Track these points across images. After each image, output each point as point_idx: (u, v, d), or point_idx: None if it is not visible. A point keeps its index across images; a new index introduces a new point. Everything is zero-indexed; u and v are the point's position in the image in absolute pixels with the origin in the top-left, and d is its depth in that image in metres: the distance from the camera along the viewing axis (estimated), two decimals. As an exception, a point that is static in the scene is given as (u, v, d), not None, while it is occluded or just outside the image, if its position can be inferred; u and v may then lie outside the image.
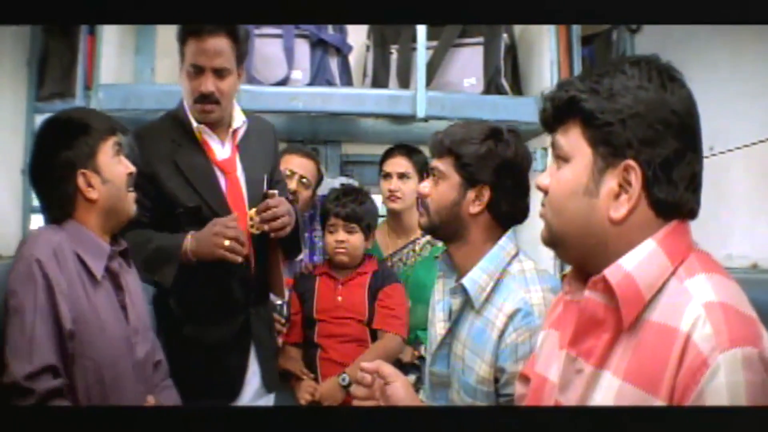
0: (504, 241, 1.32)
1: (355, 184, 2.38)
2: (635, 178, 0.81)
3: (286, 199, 1.72)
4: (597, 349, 0.84)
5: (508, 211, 1.32)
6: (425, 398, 1.47)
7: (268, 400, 1.81)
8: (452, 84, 2.29)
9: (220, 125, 1.72)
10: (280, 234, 1.66)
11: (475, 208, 1.30)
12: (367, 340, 1.98)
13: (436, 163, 1.34)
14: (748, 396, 0.70)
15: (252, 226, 1.65)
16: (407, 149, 2.21)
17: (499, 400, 1.25)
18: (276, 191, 1.69)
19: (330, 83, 2.28)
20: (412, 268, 2.19)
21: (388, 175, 2.19)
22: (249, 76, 2.12)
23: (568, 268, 1.00)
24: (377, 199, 2.21)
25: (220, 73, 1.63)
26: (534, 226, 1.35)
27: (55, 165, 1.33)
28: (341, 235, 1.99)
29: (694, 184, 0.83)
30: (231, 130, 1.73)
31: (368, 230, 2.02)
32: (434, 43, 2.28)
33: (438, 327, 1.40)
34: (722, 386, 0.70)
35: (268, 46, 2.25)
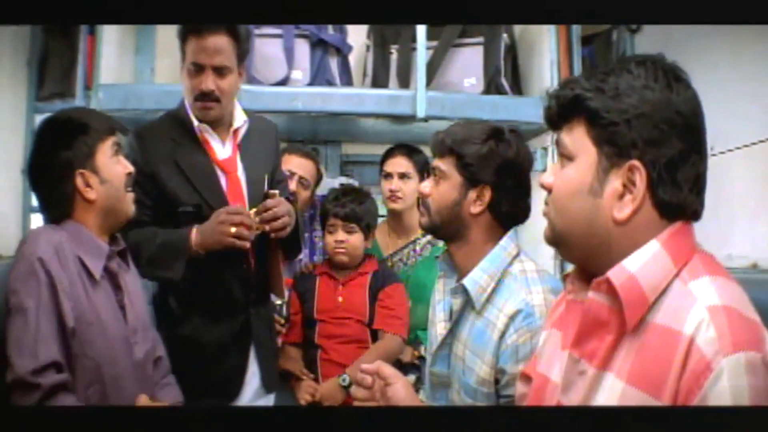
0: (505, 241, 1.31)
1: (355, 184, 2.38)
2: (640, 179, 0.80)
3: (286, 200, 1.71)
4: (600, 350, 0.83)
5: (509, 211, 1.31)
6: (425, 398, 1.47)
7: (268, 401, 1.81)
8: (452, 84, 2.29)
9: (220, 124, 1.71)
10: (280, 234, 1.66)
11: (476, 208, 1.30)
12: (368, 340, 1.98)
13: (438, 163, 1.34)
14: (751, 400, 0.70)
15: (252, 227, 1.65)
16: (408, 149, 2.21)
17: (500, 401, 1.24)
18: (277, 191, 1.69)
19: (330, 83, 2.28)
20: (413, 268, 2.19)
21: (388, 175, 2.19)
22: (249, 76, 2.12)
23: (568, 269, 1.00)
24: (377, 199, 2.21)
25: (220, 72, 1.62)
26: (534, 225, 1.35)
27: (53, 165, 1.34)
28: (340, 235, 1.99)
29: (698, 185, 0.82)
30: (232, 129, 1.73)
31: (368, 230, 2.02)
32: (434, 43, 2.28)
33: (438, 327, 1.40)
34: (725, 390, 0.70)
35: (268, 46, 2.25)
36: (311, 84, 2.26)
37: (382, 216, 2.32)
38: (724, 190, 1.59)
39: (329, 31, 2.30)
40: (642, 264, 0.81)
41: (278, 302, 1.96)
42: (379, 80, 2.37)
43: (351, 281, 2.02)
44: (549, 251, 2.10)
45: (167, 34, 2.07)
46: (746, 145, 1.61)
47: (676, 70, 0.83)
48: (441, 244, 1.92)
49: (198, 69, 1.62)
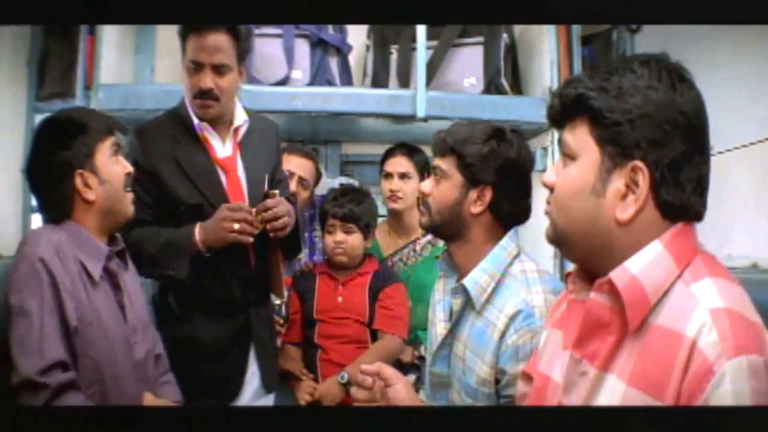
0: (505, 241, 1.31)
1: (355, 183, 2.38)
2: (643, 180, 0.80)
3: (286, 199, 1.72)
4: (602, 351, 0.83)
5: (510, 211, 1.31)
6: (425, 398, 1.47)
7: (268, 401, 1.81)
8: (452, 84, 2.29)
9: (221, 123, 1.71)
10: (280, 234, 1.66)
11: (476, 208, 1.30)
12: (367, 341, 1.98)
13: (439, 162, 1.33)
14: (753, 404, 0.70)
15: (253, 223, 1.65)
16: (408, 149, 2.21)
17: (500, 401, 1.24)
18: (277, 191, 1.69)
19: (330, 83, 2.28)
20: (413, 268, 2.19)
21: (389, 175, 2.19)
22: (249, 76, 2.12)
23: (568, 269, 1.00)
24: (378, 199, 2.21)
25: (219, 70, 1.62)
26: (534, 225, 1.35)
27: (52, 165, 1.33)
28: (339, 235, 1.98)
29: (701, 186, 0.82)
30: (232, 128, 1.73)
31: (367, 230, 2.01)
32: (434, 43, 2.28)
33: (438, 327, 1.40)
34: (727, 394, 0.70)
35: (268, 46, 2.25)
36: (311, 84, 2.26)
37: (383, 216, 2.32)
38: (724, 190, 1.59)
39: (329, 31, 2.30)
40: (644, 265, 0.80)
41: (277, 302, 1.96)
42: (379, 80, 2.37)
43: (351, 281, 2.02)
44: (549, 251, 2.11)
45: (167, 34, 2.07)
46: (746, 145, 1.61)
47: (680, 69, 0.83)
48: (441, 244, 1.92)
49: (197, 67, 1.62)
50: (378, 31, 2.40)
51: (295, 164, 2.15)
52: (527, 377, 1.06)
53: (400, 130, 2.35)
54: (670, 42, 1.82)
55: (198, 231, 1.60)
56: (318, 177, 2.31)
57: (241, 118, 1.74)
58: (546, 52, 2.26)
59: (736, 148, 1.63)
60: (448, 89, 2.27)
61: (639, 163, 0.80)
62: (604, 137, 0.82)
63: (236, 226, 1.57)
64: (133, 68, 2.46)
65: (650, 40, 2.14)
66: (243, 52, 1.69)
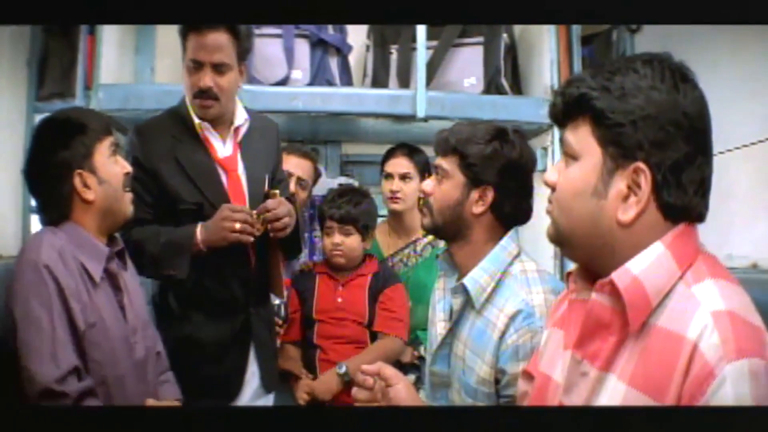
0: (506, 241, 1.31)
1: (355, 184, 2.38)
2: (645, 181, 0.80)
3: (286, 199, 1.71)
4: (603, 352, 0.83)
5: (511, 212, 1.31)
6: (425, 398, 1.47)
7: (267, 401, 1.81)
8: (452, 84, 2.29)
9: (221, 122, 1.71)
10: (281, 235, 1.66)
11: (478, 209, 1.30)
12: (367, 341, 1.98)
13: (440, 162, 1.33)
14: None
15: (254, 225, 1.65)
16: (409, 149, 2.21)
17: (500, 401, 1.24)
18: (277, 191, 1.69)
19: (330, 83, 2.28)
20: (413, 269, 2.19)
21: (389, 176, 2.19)
22: (249, 76, 2.12)
23: (568, 269, 0.99)
24: (377, 199, 2.21)
25: (219, 69, 1.62)
26: (535, 225, 1.35)
27: (51, 165, 1.33)
28: (337, 237, 1.97)
29: (703, 187, 0.82)
30: (233, 127, 1.73)
31: (365, 231, 2.00)
32: (434, 43, 2.28)
33: (439, 327, 1.40)
34: (728, 397, 0.70)
35: (268, 46, 2.25)
36: (311, 84, 2.26)
37: (383, 216, 2.32)
38: (724, 190, 1.59)
39: (329, 31, 2.30)
40: (646, 266, 0.80)
41: (276, 302, 1.96)
42: (379, 80, 2.37)
43: (350, 282, 2.01)
44: (549, 251, 2.11)
45: (167, 34, 2.07)
46: (746, 145, 1.61)
47: (683, 69, 0.83)
48: (441, 245, 1.92)
49: (197, 66, 1.62)
50: (378, 31, 2.40)
51: (293, 164, 2.15)
52: (528, 376, 1.06)
53: (400, 130, 2.35)
54: (670, 42, 1.82)
55: (199, 231, 1.61)
56: (317, 177, 2.31)
57: (241, 117, 1.74)
58: (546, 52, 2.26)
59: (737, 148, 1.63)
60: (448, 89, 2.27)
61: (641, 165, 0.80)
62: (606, 138, 0.82)
63: (237, 226, 1.57)
64: (133, 68, 2.46)
65: (650, 40, 2.14)
66: (243, 52, 1.69)
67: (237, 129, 1.74)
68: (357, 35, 2.41)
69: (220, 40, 1.61)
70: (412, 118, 2.17)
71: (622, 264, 0.81)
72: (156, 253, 1.61)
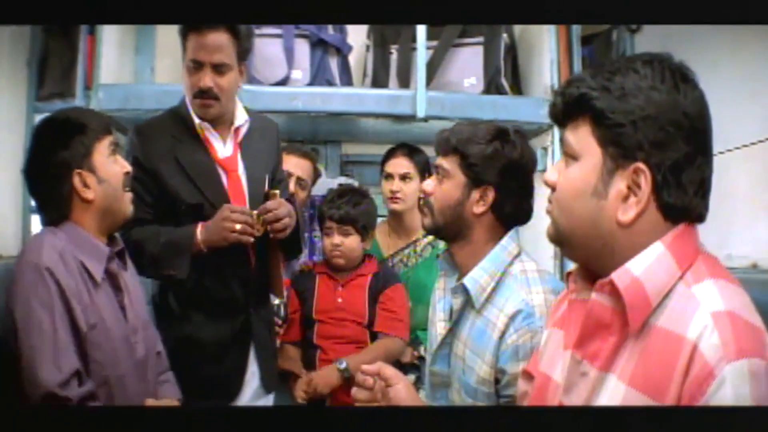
0: (506, 241, 1.31)
1: (355, 184, 2.38)
2: (645, 182, 0.80)
3: (287, 200, 1.71)
4: (603, 352, 0.83)
5: (511, 212, 1.31)
6: (425, 398, 1.47)
7: (267, 401, 1.81)
8: (452, 84, 2.29)
9: (221, 122, 1.71)
10: (281, 236, 1.66)
11: (478, 209, 1.30)
12: (367, 341, 1.97)
13: (441, 161, 1.33)
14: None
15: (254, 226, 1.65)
16: (409, 149, 2.21)
17: (500, 401, 1.24)
18: (277, 191, 1.69)
19: (330, 83, 2.28)
20: (413, 269, 2.19)
21: (389, 176, 2.19)
22: (249, 76, 2.12)
23: (568, 269, 0.99)
24: (377, 199, 2.21)
25: (219, 69, 1.62)
26: (535, 225, 1.35)
27: (50, 165, 1.33)
28: (336, 238, 1.97)
29: (703, 188, 0.82)
30: (233, 128, 1.73)
31: (365, 231, 2.00)
32: (434, 43, 2.28)
33: (439, 327, 1.40)
34: (728, 397, 0.70)
35: (268, 46, 2.25)
36: (311, 84, 2.26)
37: (383, 216, 2.32)
38: (724, 190, 1.59)
39: (329, 31, 2.30)
40: (646, 267, 0.80)
41: (276, 302, 1.96)
42: (379, 80, 2.37)
43: (350, 282, 2.01)
44: (549, 251, 2.11)
45: (167, 34, 2.07)
46: (746, 145, 1.61)
47: (684, 69, 0.82)
48: (441, 245, 1.92)
49: (197, 66, 1.62)
50: (378, 31, 2.40)
51: (293, 164, 2.14)
52: (528, 376, 1.06)
53: (400, 130, 2.34)
54: (670, 42, 1.82)
55: (199, 231, 1.61)
56: (316, 177, 2.31)
57: (242, 118, 1.74)
58: (546, 52, 2.26)
59: (737, 148, 1.63)
60: (448, 89, 2.27)
61: (641, 165, 0.80)
62: (606, 138, 0.82)
63: (238, 226, 1.57)
64: (133, 68, 2.46)
65: (650, 40, 2.14)
66: (243, 52, 1.69)
67: (237, 129, 1.74)
68: (357, 35, 2.41)
69: (220, 40, 1.61)
70: (412, 118, 2.17)
71: (622, 264, 0.81)
72: (156, 253, 1.61)
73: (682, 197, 0.80)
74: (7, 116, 1.93)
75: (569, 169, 0.87)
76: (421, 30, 2.19)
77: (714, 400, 0.70)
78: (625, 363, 0.80)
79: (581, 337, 0.86)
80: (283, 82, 2.24)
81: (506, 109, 2.18)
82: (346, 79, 2.35)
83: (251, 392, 1.75)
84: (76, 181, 1.33)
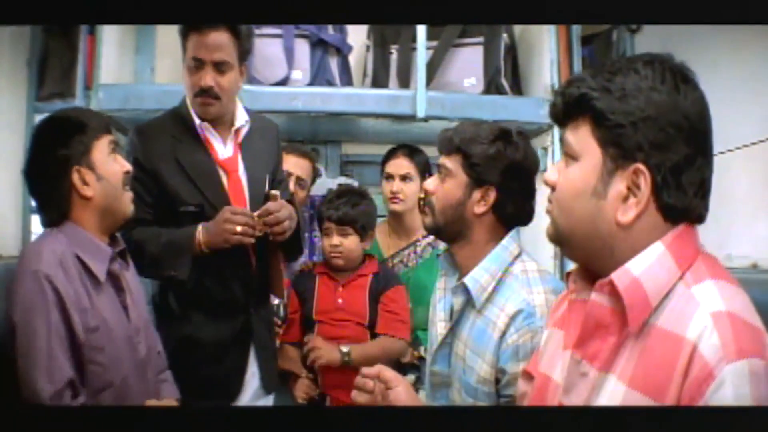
0: (507, 241, 1.31)
1: (355, 184, 2.38)
2: (644, 183, 0.80)
3: (287, 201, 1.71)
4: (602, 352, 0.83)
5: (513, 213, 1.32)
6: (425, 398, 1.47)
7: (267, 401, 1.81)
8: (452, 84, 2.29)
9: (221, 123, 1.71)
10: (280, 238, 1.66)
11: (480, 209, 1.30)
12: (367, 342, 1.97)
13: (444, 161, 1.34)
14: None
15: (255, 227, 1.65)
16: (409, 150, 2.21)
17: (500, 401, 1.24)
18: (278, 192, 1.69)
19: (330, 83, 2.28)
20: (413, 270, 2.18)
21: (390, 177, 2.19)
22: (249, 76, 2.12)
23: (568, 269, 0.99)
24: (377, 199, 2.20)
25: (220, 68, 1.62)
26: (535, 225, 1.35)
27: (50, 163, 1.33)
28: (335, 238, 1.96)
29: (703, 189, 0.82)
30: (233, 128, 1.73)
31: (364, 231, 1.99)
32: (434, 43, 2.28)
33: (439, 326, 1.40)
34: (728, 398, 0.70)
35: (268, 46, 2.25)
36: (311, 84, 2.26)
37: (383, 216, 2.32)
38: (724, 190, 1.59)
39: (329, 31, 2.30)
40: (646, 267, 0.80)
41: (276, 302, 1.96)
42: (379, 80, 2.37)
43: (351, 283, 2.01)
44: (549, 251, 2.11)
45: (167, 34, 2.07)
46: (746, 145, 1.61)
47: (684, 70, 0.82)
48: (442, 246, 1.92)
49: (198, 65, 1.62)
50: (378, 31, 2.40)
51: (292, 164, 2.14)
52: (528, 376, 1.06)
53: (400, 130, 2.35)
54: (670, 42, 1.82)
55: (200, 232, 1.61)
56: (315, 176, 2.31)
57: (242, 118, 1.74)
58: (546, 52, 2.26)
59: (737, 148, 1.63)
60: (448, 89, 2.27)
61: (641, 166, 0.80)
62: (606, 139, 0.82)
63: (238, 228, 1.57)
64: (133, 68, 2.46)
65: (650, 40, 2.14)
66: (244, 52, 1.69)
67: (238, 130, 1.74)
68: (357, 35, 2.41)
69: (221, 38, 1.61)
70: (412, 118, 2.17)
71: (621, 264, 0.81)
72: (157, 253, 1.61)
73: (682, 198, 0.80)
74: (7, 116, 1.94)
75: (569, 169, 0.87)
76: (421, 30, 2.19)
77: (714, 400, 0.70)
78: (624, 363, 0.80)
79: (581, 337, 0.86)
80: (283, 82, 2.24)
81: (506, 109, 2.18)
82: (346, 79, 2.35)
83: (251, 392, 1.75)
84: (75, 177, 1.33)
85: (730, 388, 0.70)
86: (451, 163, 1.32)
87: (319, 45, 2.28)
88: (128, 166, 1.43)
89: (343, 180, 2.51)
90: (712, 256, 0.84)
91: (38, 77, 2.07)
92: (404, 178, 2.17)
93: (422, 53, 2.19)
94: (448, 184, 1.32)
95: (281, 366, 1.94)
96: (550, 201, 0.92)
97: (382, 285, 2.00)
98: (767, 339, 0.75)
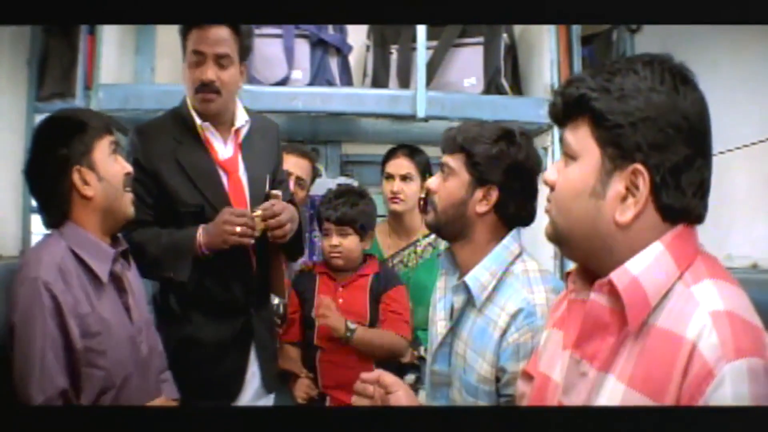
0: (508, 240, 1.32)
1: (355, 184, 2.38)
2: (643, 183, 0.80)
3: (289, 201, 1.71)
4: (602, 352, 0.83)
5: (514, 213, 1.32)
6: (426, 397, 1.47)
7: (268, 401, 1.82)
8: (452, 84, 2.29)
9: (222, 123, 1.71)
10: (281, 241, 1.67)
11: (482, 208, 1.30)
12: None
13: (447, 159, 1.34)
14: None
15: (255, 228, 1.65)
16: (410, 150, 2.21)
17: (500, 400, 1.24)
18: (280, 192, 1.69)
19: (330, 83, 2.28)
20: (413, 270, 2.18)
21: (390, 177, 2.19)
22: (249, 76, 2.12)
23: (568, 269, 1.00)
24: (378, 199, 2.20)
25: (221, 62, 1.62)
26: (535, 225, 1.35)
27: (50, 163, 1.33)
28: (335, 239, 1.96)
29: (702, 189, 0.82)
30: (234, 128, 1.73)
31: (363, 231, 1.98)
32: (434, 43, 2.28)
33: (439, 326, 1.40)
34: (727, 397, 0.70)
35: (268, 46, 2.25)
36: (311, 84, 2.26)
37: (383, 216, 2.32)
38: (724, 190, 1.59)
39: (329, 31, 2.30)
40: (645, 266, 0.80)
41: (276, 301, 1.96)
42: (379, 80, 2.37)
43: (351, 283, 2.00)
44: (549, 251, 2.10)
45: (167, 34, 2.07)
46: (746, 145, 1.61)
47: (684, 71, 0.83)
48: (442, 246, 1.92)
49: (199, 59, 1.61)
50: (378, 31, 2.40)
51: (292, 163, 2.14)
52: (528, 376, 1.06)
53: (400, 130, 2.35)
54: (670, 42, 1.82)
55: (200, 234, 1.61)
56: (314, 176, 2.31)
57: (242, 118, 1.74)
58: (546, 52, 2.26)
59: (737, 148, 1.63)
60: (448, 89, 2.27)
61: (639, 167, 0.80)
62: (605, 139, 0.82)
63: (238, 229, 1.57)
64: (133, 68, 2.46)
65: (650, 40, 2.14)
66: (244, 48, 1.69)
67: (238, 130, 1.74)
68: (357, 35, 2.41)
69: (222, 33, 1.61)
70: (412, 118, 2.17)
71: (620, 264, 0.82)
72: (157, 255, 1.61)
73: (681, 199, 0.81)
74: (7, 116, 1.93)
75: (568, 168, 0.87)
76: (421, 30, 2.19)
77: (713, 399, 0.70)
78: (624, 363, 0.81)
79: (580, 337, 0.86)
80: (283, 82, 2.24)
81: (506, 109, 2.18)
82: (346, 79, 2.35)
83: (252, 393, 1.75)
84: (76, 177, 1.33)
85: (729, 387, 0.70)
86: (454, 161, 1.32)
87: (319, 45, 2.28)
88: (129, 168, 1.43)
89: (343, 180, 2.51)
90: (712, 256, 0.84)
91: (38, 77, 2.06)
92: (405, 178, 2.17)
93: (422, 53, 2.19)
94: (450, 183, 1.32)
95: (281, 366, 1.94)
96: (548, 200, 0.92)
97: (383, 285, 2.00)
98: (766, 338, 0.75)
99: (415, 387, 1.94)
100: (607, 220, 0.83)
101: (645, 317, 0.80)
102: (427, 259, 2.18)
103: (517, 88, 2.41)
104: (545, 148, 2.25)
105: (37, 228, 1.53)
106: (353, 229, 1.96)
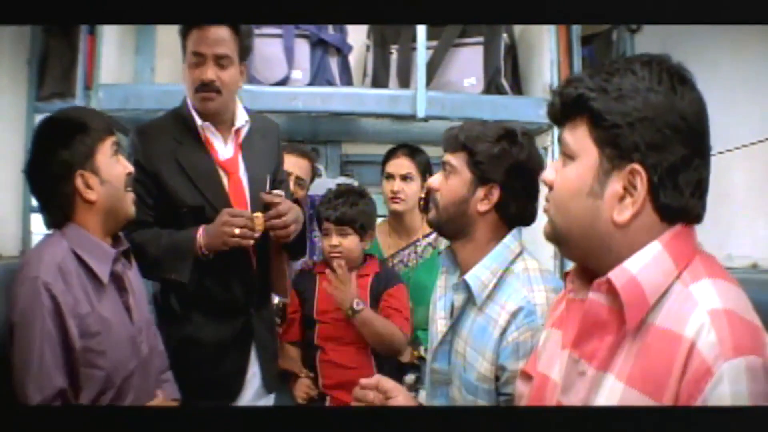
0: (509, 239, 1.32)
1: (355, 184, 2.38)
2: (641, 183, 0.80)
3: (294, 201, 1.72)
4: (600, 351, 0.83)
5: (516, 212, 1.32)
6: (425, 396, 1.47)
7: (268, 401, 1.82)
8: (452, 84, 2.29)
9: (222, 123, 1.71)
10: (284, 241, 1.67)
11: (483, 207, 1.30)
12: (368, 342, 1.97)
13: (449, 158, 1.34)
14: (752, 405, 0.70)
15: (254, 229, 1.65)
16: (410, 150, 2.21)
17: (499, 399, 1.25)
18: (282, 192, 1.69)
19: (330, 83, 2.28)
20: (414, 270, 2.18)
21: (390, 176, 2.19)
22: (249, 76, 2.12)
23: (568, 268, 1.00)
24: (378, 199, 2.20)
25: (221, 62, 1.62)
26: (535, 225, 1.35)
27: (52, 165, 1.32)
28: (335, 239, 1.95)
29: (700, 189, 0.82)
30: (234, 129, 1.73)
31: (363, 231, 1.98)
32: (434, 43, 2.28)
33: (439, 324, 1.40)
34: (726, 395, 0.70)
35: (268, 46, 2.25)
36: (311, 84, 2.26)
37: (383, 216, 2.32)
38: (723, 190, 1.59)
39: (329, 31, 2.30)
40: (643, 266, 0.80)
41: (276, 301, 1.95)
42: (379, 80, 2.37)
43: (351, 283, 2.01)
44: (549, 250, 2.10)
45: (167, 34, 2.07)
46: (746, 145, 1.61)
47: (682, 71, 0.83)
48: (442, 246, 1.92)
49: (199, 60, 1.62)
50: (378, 31, 2.40)
51: (291, 163, 2.14)
52: (526, 376, 1.06)
53: (400, 130, 2.35)
54: (670, 42, 1.82)
55: (200, 235, 1.61)
56: (314, 176, 2.31)
57: (242, 118, 1.74)
58: (546, 52, 2.26)
59: (737, 148, 1.63)
60: (448, 89, 2.27)
61: (637, 167, 0.80)
62: (603, 139, 0.82)
63: (237, 231, 1.58)
64: (133, 68, 2.46)
65: (650, 40, 2.14)
66: (244, 49, 1.69)
67: (238, 131, 1.74)
68: (357, 35, 2.41)
69: (222, 33, 1.61)
70: (412, 118, 2.17)
71: (618, 263, 0.82)
72: (158, 256, 1.61)
73: (679, 198, 0.81)
74: (7, 116, 1.94)
75: (566, 168, 0.87)
76: (421, 30, 2.19)
77: (712, 398, 0.70)
78: (622, 362, 0.81)
79: (579, 336, 0.87)
80: (283, 82, 2.24)
81: (506, 109, 2.19)
82: (346, 79, 2.35)
83: (252, 393, 1.75)
84: (79, 182, 1.32)
85: (727, 386, 0.70)
86: (455, 160, 1.32)
87: (319, 45, 2.28)
88: (131, 168, 1.42)
89: (343, 180, 2.51)
90: (710, 256, 0.85)
91: (38, 77, 2.07)
92: (405, 177, 2.17)
93: (422, 53, 2.19)
94: (452, 181, 1.33)
95: (282, 366, 1.94)
96: (547, 200, 0.92)
97: (383, 284, 1.99)
98: (765, 336, 0.75)
99: (415, 387, 1.94)
100: (605, 220, 0.83)
101: (643, 316, 0.80)
102: (427, 258, 2.18)
103: (517, 88, 2.41)
104: (545, 148, 2.25)
105: (37, 228, 1.53)
106: (353, 229, 1.96)
